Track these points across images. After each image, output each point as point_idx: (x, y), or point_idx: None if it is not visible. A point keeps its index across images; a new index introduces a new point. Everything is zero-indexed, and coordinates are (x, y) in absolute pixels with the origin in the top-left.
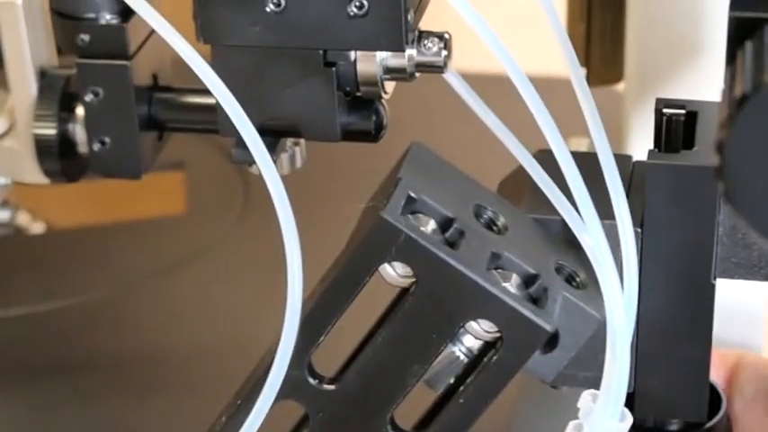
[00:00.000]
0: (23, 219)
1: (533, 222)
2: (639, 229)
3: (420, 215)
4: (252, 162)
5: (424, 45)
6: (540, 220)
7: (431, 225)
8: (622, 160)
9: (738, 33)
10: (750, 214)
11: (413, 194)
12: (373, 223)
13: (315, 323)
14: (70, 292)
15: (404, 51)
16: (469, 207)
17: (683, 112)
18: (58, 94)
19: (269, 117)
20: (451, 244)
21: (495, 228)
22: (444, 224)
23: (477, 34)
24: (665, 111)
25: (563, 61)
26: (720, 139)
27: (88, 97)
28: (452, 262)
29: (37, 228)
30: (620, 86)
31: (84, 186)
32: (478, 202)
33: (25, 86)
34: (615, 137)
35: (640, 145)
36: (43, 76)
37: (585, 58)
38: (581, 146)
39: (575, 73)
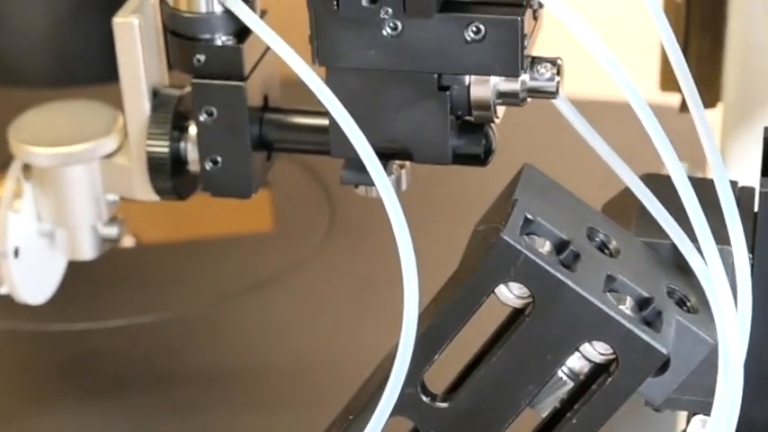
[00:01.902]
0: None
1: (643, 246)
2: (751, 255)
3: (536, 237)
4: (361, 183)
5: (537, 71)
6: (650, 244)
7: (547, 247)
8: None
9: None
10: None
11: (529, 216)
12: (493, 244)
13: (430, 342)
14: (164, 306)
15: (518, 77)
16: (582, 229)
17: None
18: (170, 114)
19: (382, 139)
20: (567, 266)
21: (607, 251)
22: (560, 246)
23: (587, 58)
24: None
25: (680, 84)
26: None
27: (202, 117)
28: (571, 284)
29: (128, 242)
30: (716, 111)
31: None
32: (590, 225)
33: (139, 105)
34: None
35: (738, 170)
36: (155, 94)
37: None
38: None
39: (691, 95)
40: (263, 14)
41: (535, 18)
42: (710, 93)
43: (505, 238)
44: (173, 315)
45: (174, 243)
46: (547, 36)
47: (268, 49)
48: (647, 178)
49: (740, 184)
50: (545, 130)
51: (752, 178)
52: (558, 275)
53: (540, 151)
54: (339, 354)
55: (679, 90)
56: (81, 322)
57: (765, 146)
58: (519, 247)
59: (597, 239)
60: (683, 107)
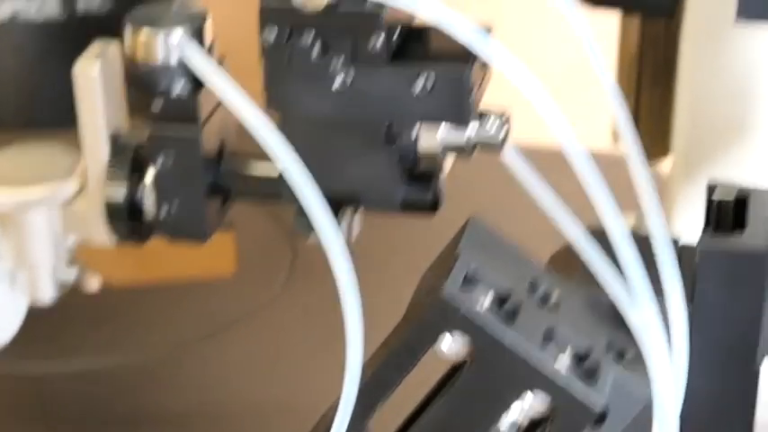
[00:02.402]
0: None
1: (586, 298)
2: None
3: (478, 289)
4: (312, 231)
5: (484, 123)
6: (592, 296)
7: (488, 299)
8: None
9: None
10: None
11: (471, 269)
12: (433, 299)
13: (371, 394)
14: (126, 349)
15: (467, 125)
16: (525, 282)
17: (732, 199)
18: (128, 159)
19: (331, 186)
20: (508, 319)
21: (549, 303)
22: (501, 298)
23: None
24: (713, 198)
25: (623, 138)
26: None
27: (158, 163)
28: (508, 338)
29: (93, 284)
30: (666, 163)
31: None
32: (533, 278)
33: (98, 151)
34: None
35: (686, 221)
36: (115, 140)
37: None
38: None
39: (633, 150)
40: (221, 60)
41: (484, 69)
42: (661, 144)
43: (445, 293)
44: (133, 359)
45: (136, 285)
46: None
47: None
48: (593, 231)
49: (684, 241)
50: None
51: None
52: (496, 330)
53: (497, 198)
54: (298, 399)
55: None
56: (41, 365)
57: (708, 201)
58: (458, 304)
59: (540, 292)
60: None
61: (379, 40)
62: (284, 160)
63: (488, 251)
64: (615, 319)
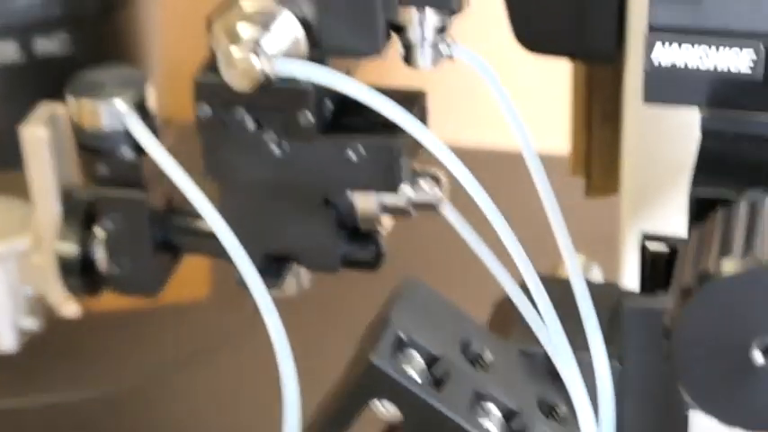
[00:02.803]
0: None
1: (519, 354)
2: (619, 364)
3: (408, 352)
4: None
5: (419, 185)
6: (527, 352)
7: (418, 363)
8: (608, 289)
9: (700, 212)
10: (694, 394)
11: (402, 335)
12: (363, 367)
13: None
14: (94, 381)
15: (397, 191)
16: (457, 342)
17: (666, 250)
18: (80, 216)
19: (272, 249)
20: (438, 382)
21: (481, 363)
22: (431, 362)
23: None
24: (648, 246)
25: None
26: (667, 327)
27: (107, 224)
28: (436, 404)
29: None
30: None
31: None
32: (466, 337)
33: (50, 208)
34: (613, 247)
35: (635, 257)
36: (67, 196)
37: (586, 169)
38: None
39: (548, 201)
40: (167, 120)
41: None
42: (613, 181)
43: (374, 361)
44: (101, 392)
45: (109, 313)
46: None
47: None
48: (546, 280)
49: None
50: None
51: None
52: (423, 397)
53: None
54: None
55: (587, 174)
56: (8, 400)
57: (642, 252)
58: (386, 371)
59: (472, 351)
60: (589, 191)
61: (308, 117)
62: (215, 227)
63: (422, 312)
64: (550, 375)
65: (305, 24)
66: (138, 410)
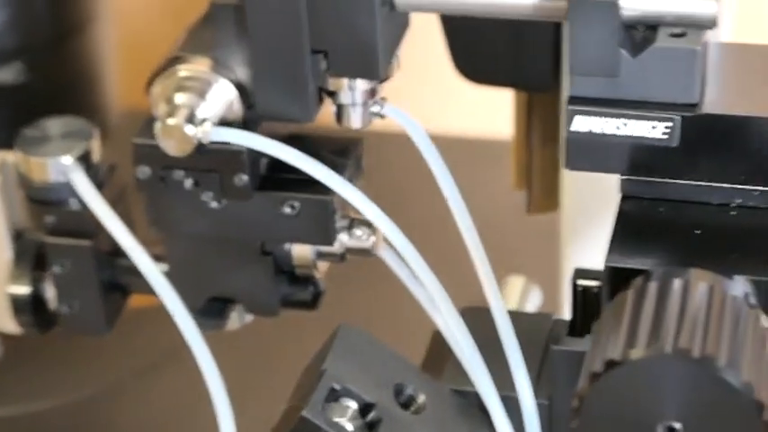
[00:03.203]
0: None
1: (452, 395)
2: (547, 402)
3: (342, 401)
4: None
5: (354, 232)
6: (460, 392)
7: (352, 411)
8: (541, 319)
9: (613, 284)
10: None
11: (335, 386)
12: (295, 418)
13: None
14: (56, 391)
15: (332, 245)
16: (391, 387)
17: (597, 283)
18: (31, 257)
19: (214, 293)
20: (371, 427)
21: (413, 406)
22: (365, 408)
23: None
24: (578, 282)
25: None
26: (574, 407)
27: (56, 269)
28: None
29: None
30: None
31: None
32: (400, 381)
33: (1, 250)
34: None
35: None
36: (18, 236)
37: (528, 185)
38: (516, 285)
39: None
40: (110, 171)
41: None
42: (552, 199)
43: (305, 414)
44: (64, 401)
45: None
46: None
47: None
48: (472, 312)
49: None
50: None
51: None
52: None
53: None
54: None
55: (528, 192)
56: None
57: (573, 289)
58: (317, 423)
59: (405, 395)
60: (530, 208)
61: (243, 178)
62: (149, 278)
63: (357, 358)
64: (481, 413)
65: (240, 88)
66: (99, 420)
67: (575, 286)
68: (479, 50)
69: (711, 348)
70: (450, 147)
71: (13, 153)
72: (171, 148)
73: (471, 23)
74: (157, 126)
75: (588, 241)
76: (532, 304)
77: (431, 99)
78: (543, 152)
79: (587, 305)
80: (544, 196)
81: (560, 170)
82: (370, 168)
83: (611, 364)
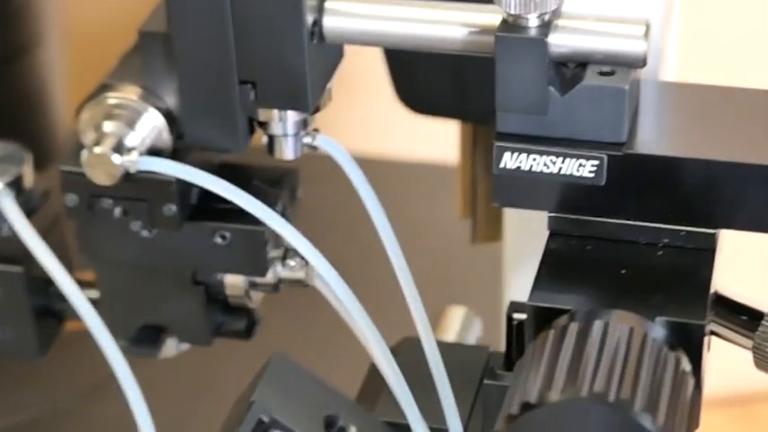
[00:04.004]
0: None
1: (384, 427)
2: None
3: None
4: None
5: (287, 263)
6: (392, 424)
7: None
8: (478, 352)
9: (537, 323)
10: None
11: (264, 418)
12: None
13: None
14: (23, 406)
15: (264, 276)
16: (321, 419)
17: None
18: None
19: (146, 322)
20: None
21: None
22: None
23: None
24: (514, 316)
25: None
26: None
27: None
28: None
29: None
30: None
31: None
32: (333, 413)
33: None
34: (497, 292)
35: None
36: None
37: (472, 215)
38: (457, 316)
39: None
40: (44, 197)
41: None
42: (496, 229)
43: None
44: (4, 424)
45: None
46: None
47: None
48: (413, 343)
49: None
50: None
51: None
52: None
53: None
54: None
55: (473, 222)
56: None
57: (508, 323)
58: None
59: (336, 428)
60: (475, 237)
61: (172, 208)
62: (76, 307)
63: (288, 389)
64: None
65: (169, 117)
66: None
67: (509, 319)
68: (421, 82)
69: (627, 392)
70: (399, 171)
71: None
72: (97, 176)
73: (412, 54)
74: (84, 154)
75: (531, 272)
76: (473, 335)
77: (380, 121)
78: (488, 182)
79: (522, 338)
80: (489, 226)
81: None
82: (310, 189)
83: (527, 407)
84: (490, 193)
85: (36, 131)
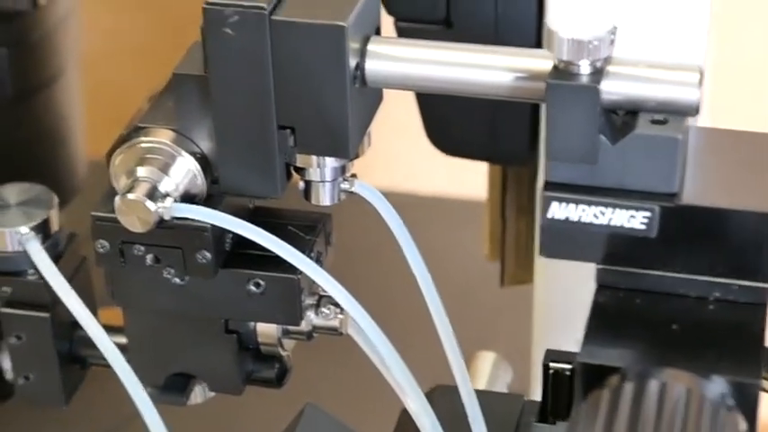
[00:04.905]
0: None
1: None
2: None
3: None
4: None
5: (322, 311)
6: None
7: None
8: (512, 400)
9: (587, 380)
10: None
11: None
12: None
13: None
14: None
15: (299, 325)
16: None
17: (569, 366)
18: None
19: (176, 370)
20: None
21: None
22: None
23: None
24: (551, 365)
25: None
26: None
27: (12, 341)
28: None
29: None
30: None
31: None
32: None
33: None
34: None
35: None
36: None
37: (501, 257)
38: (487, 361)
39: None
40: (70, 240)
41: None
42: (527, 271)
43: None
44: None
45: None
46: None
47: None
48: (444, 391)
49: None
50: None
51: None
52: None
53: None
54: None
55: (502, 264)
56: None
57: (545, 371)
58: None
59: None
60: (504, 280)
61: (206, 255)
62: (107, 355)
63: None
64: None
65: (203, 161)
66: None
67: (546, 368)
68: (453, 125)
69: None
70: (431, 206)
71: None
72: (131, 224)
73: (445, 98)
74: (117, 201)
75: (561, 318)
76: (503, 381)
77: (412, 156)
78: (518, 224)
79: (558, 388)
80: (518, 268)
81: (535, 243)
82: (345, 230)
83: None
84: (521, 233)
85: (56, 166)
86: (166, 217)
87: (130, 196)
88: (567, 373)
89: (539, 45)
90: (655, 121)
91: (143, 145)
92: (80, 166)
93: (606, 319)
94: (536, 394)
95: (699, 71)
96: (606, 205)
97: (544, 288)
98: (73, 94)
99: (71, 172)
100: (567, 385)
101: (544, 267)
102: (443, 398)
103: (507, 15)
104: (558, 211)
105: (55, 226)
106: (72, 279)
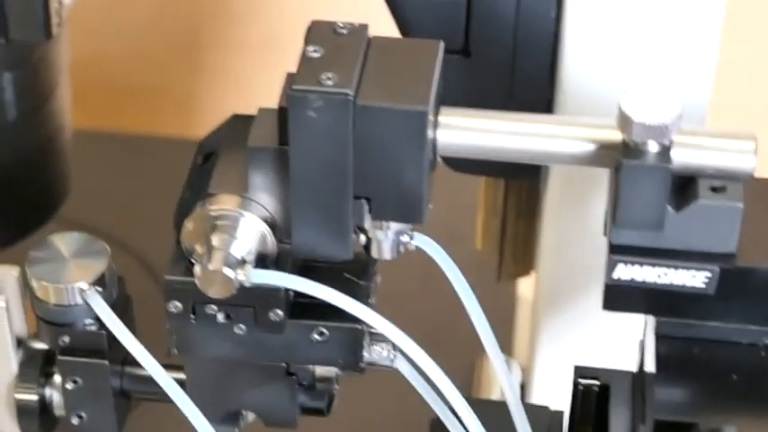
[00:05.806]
0: None
1: None
2: None
3: None
4: None
5: (374, 348)
6: None
7: None
8: (539, 411)
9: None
10: None
11: None
12: None
13: None
14: None
15: (360, 371)
16: None
17: (596, 382)
18: (38, 366)
19: (233, 408)
20: None
21: None
22: None
23: None
24: (579, 381)
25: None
26: None
27: (68, 385)
28: None
29: None
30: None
31: None
32: None
33: (6, 359)
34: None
35: (549, 343)
36: (19, 344)
37: (500, 255)
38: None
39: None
40: (120, 284)
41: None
42: (524, 265)
43: None
44: None
45: None
46: None
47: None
48: (478, 404)
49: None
50: None
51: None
52: None
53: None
54: None
55: (499, 262)
56: None
57: (574, 387)
58: None
59: None
60: (500, 276)
61: (278, 313)
62: (172, 396)
63: None
64: None
65: (271, 223)
66: None
67: (575, 384)
68: None
69: None
70: None
71: (12, 267)
72: (213, 292)
73: None
74: (197, 271)
75: (562, 319)
76: (515, 381)
77: None
78: (517, 223)
79: (586, 403)
80: (515, 266)
81: (536, 244)
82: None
83: None
84: (519, 232)
85: (52, 172)
86: (246, 284)
87: (210, 267)
88: (595, 388)
89: (552, 74)
90: (714, 189)
91: (212, 212)
92: (70, 167)
93: (671, 371)
94: (537, 394)
95: (754, 139)
96: (669, 266)
97: (544, 287)
98: (66, 100)
99: (64, 176)
100: (595, 399)
101: (544, 267)
102: (478, 411)
103: (524, 46)
104: (624, 272)
105: (110, 277)
106: (122, 319)
